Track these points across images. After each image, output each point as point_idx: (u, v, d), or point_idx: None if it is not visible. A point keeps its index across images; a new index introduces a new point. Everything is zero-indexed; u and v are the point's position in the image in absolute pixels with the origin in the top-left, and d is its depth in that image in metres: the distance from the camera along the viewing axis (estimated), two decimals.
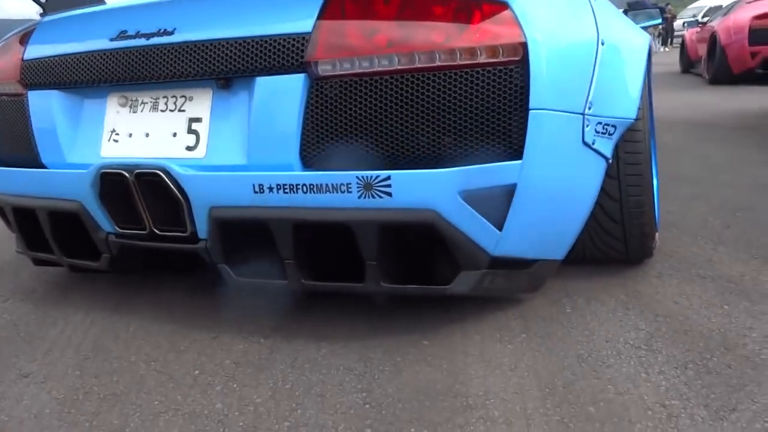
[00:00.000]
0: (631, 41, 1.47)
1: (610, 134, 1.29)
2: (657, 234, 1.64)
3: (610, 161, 1.32)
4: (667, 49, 14.59)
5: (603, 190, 1.38)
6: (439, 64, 1.11)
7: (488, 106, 1.10)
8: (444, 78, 1.11)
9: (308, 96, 1.17)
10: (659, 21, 3.03)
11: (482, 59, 1.10)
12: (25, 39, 1.49)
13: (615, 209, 1.45)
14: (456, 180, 1.13)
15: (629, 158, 1.41)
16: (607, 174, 1.35)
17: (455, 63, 1.10)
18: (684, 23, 9.92)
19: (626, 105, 1.35)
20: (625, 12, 2.83)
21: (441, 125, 1.12)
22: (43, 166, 1.47)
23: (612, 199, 1.44)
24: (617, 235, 1.50)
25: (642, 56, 1.47)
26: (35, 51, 1.46)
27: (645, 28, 2.69)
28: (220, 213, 1.26)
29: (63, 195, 1.42)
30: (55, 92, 1.43)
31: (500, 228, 1.18)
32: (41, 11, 1.45)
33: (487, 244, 1.19)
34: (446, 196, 1.14)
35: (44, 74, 1.44)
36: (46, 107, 1.44)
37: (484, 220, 1.17)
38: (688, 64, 8.73)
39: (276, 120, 1.20)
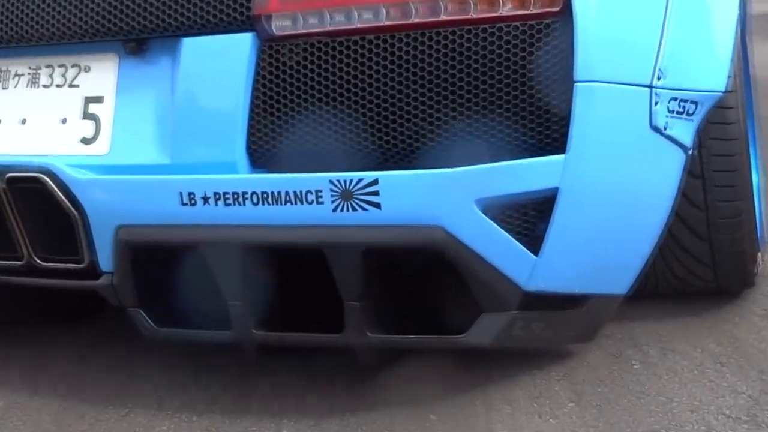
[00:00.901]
0: None
1: (689, 114, 1.30)
2: (760, 254, 1.66)
3: (691, 152, 1.34)
4: None
5: (682, 194, 1.38)
6: (445, 18, 1.13)
7: (516, 79, 1.12)
8: (452, 39, 1.13)
9: (258, 65, 1.20)
10: None
11: (506, 11, 1.12)
12: None
13: (699, 220, 1.48)
14: (472, 184, 1.15)
15: (718, 147, 1.44)
16: (688, 171, 1.36)
17: (467, 17, 1.13)
18: None
19: (711, 73, 1.36)
20: None
21: (449, 106, 1.14)
22: None
23: (695, 207, 1.47)
24: (703, 257, 1.52)
25: (733, 2, 1.49)
26: None
27: None
28: (132, 235, 1.28)
29: None
30: None
31: (536, 251, 1.20)
32: None
33: (517, 274, 1.21)
34: (458, 207, 1.15)
35: None
36: None
37: (513, 241, 1.18)
38: None
39: (211, 99, 1.22)
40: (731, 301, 1.65)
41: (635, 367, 1.44)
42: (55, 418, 1.42)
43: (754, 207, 1.57)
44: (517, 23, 1.12)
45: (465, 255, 1.18)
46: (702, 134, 1.39)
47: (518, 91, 1.12)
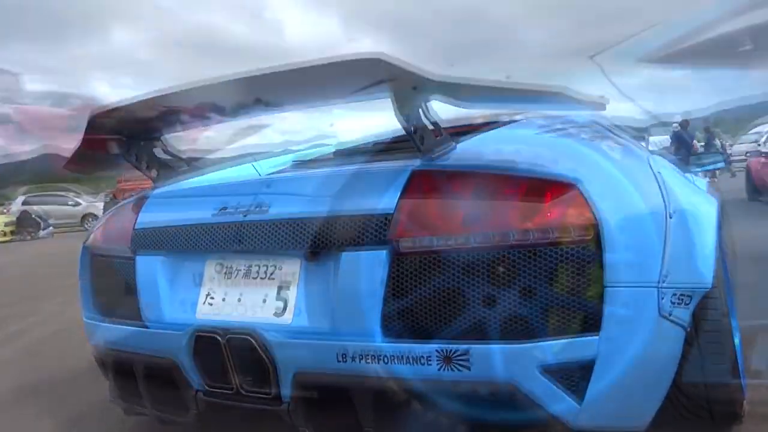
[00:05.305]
0: (699, 210, 1.58)
1: (686, 304, 1.36)
2: (745, 402, 1.63)
3: (689, 329, 1.38)
4: None
5: (683, 357, 1.40)
6: (513, 242, 1.22)
7: (563, 282, 1.19)
8: (519, 255, 1.21)
9: (390, 269, 1.29)
10: (722, 164, 3.12)
11: (555, 237, 1.20)
12: (137, 208, 1.74)
13: (696, 375, 1.47)
14: (535, 354, 1.20)
15: (707, 326, 1.47)
16: (686, 341, 1.39)
17: (529, 241, 1.21)
18: (747, 153, 10.02)
19: (700, 274, 1.43)
20: (680, 149, 2.95)
21: (518, 300, 1.20)
22: (143, 323, 1.62)
23: (692, 366, 1.46)
24: (700, 401, 1.51)
25: (711, 223, 1.56)
26: (146, 219, 1.70)
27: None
28: (305, 378, 1.36)
29: (160, 352, 1.56)
30: (160, 257, 1.63)
31: (580, 401, 1.23)
32: (152, 182, 1.70)
33: (567, 416, 1.23)
34: (525, 370, 1.20)
35: (151, 241, 1.65)
36: (150, 270, 1.63)
37: (564, 394, 1.22)
38: (754, 193, 8.66)
39: (359, 291, 1.31)
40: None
41: None
42: None
43: (738, 366, 1.57)
44: (563, 245, 1.20)
45: (530, 403, 1.21)
46: (695, 316, 1.42)
47: (566, 290, 1.19)
